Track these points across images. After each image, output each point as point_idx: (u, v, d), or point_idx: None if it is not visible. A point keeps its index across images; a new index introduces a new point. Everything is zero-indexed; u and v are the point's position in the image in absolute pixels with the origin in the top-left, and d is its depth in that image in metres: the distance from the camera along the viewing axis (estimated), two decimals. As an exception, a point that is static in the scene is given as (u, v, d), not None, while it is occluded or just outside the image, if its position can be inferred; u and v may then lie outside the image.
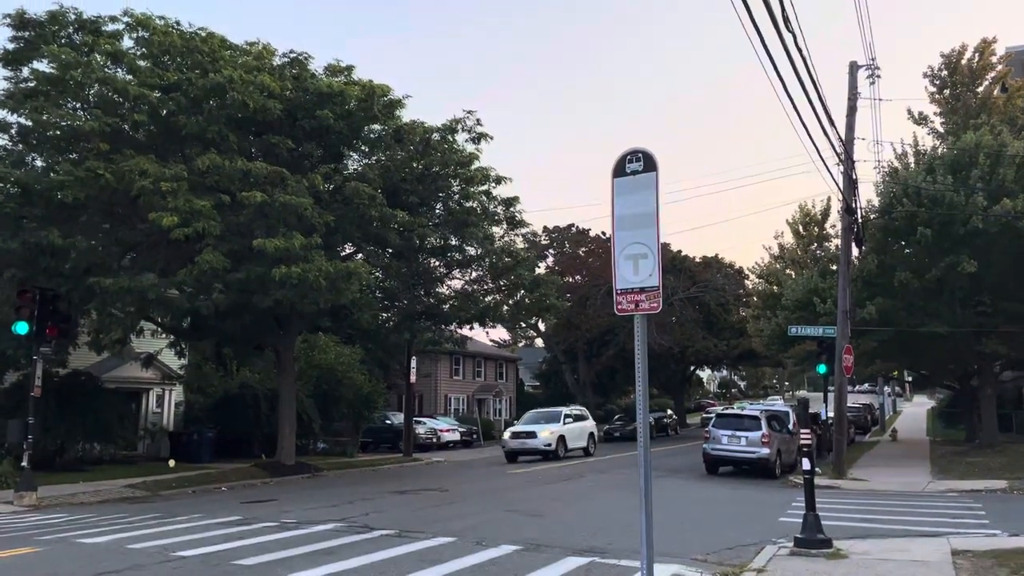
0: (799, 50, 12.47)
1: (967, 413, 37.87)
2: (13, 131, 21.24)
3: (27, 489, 17.61)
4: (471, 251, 27.02)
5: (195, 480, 22.10)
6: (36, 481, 18.07)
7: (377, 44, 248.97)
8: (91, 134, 19.19)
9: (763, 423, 23.70)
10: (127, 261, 22.12)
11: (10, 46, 20.54)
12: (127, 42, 21.54)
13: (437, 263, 27.89)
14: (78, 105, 21.08)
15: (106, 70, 20.62)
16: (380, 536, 12.10)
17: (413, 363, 35.72)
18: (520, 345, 62.20)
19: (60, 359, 22.55)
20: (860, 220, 25.33)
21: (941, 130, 33.34)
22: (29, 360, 19.18)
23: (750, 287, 51.66)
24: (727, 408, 46.12)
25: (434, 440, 39.56)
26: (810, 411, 13.07)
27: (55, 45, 19.73)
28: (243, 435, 29.44)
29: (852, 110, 23.26)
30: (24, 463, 17.84)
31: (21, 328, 17.97)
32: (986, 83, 34.08)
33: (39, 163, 21.72)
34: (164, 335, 26.32)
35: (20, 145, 21.56)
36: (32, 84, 20.52)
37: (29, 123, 20.72)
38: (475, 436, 44.33)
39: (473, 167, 25.16)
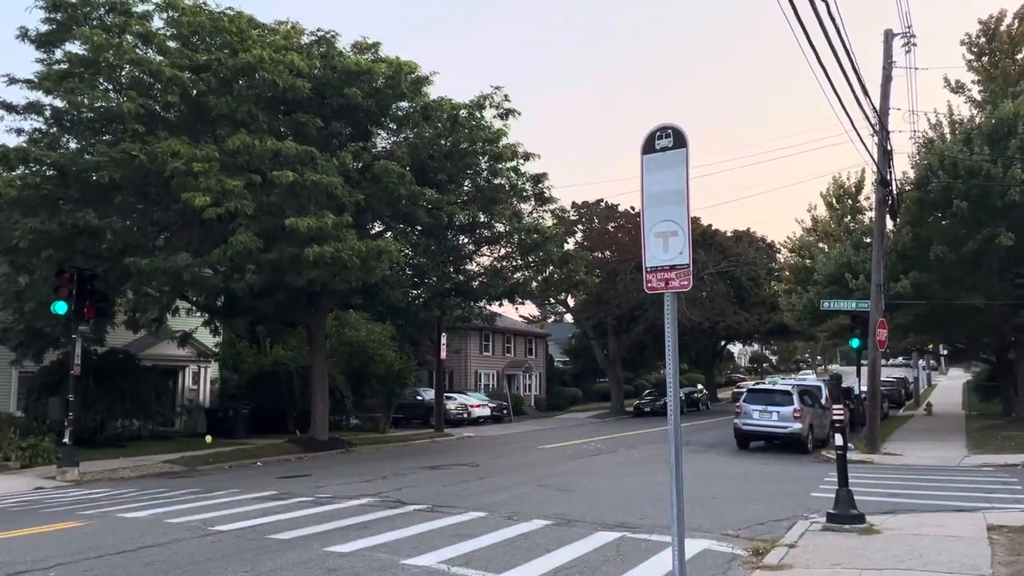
0: (832, 19, 12.28)
1: (1003, 386, 37.38)
2: (47, 113, 21.50)
3: (69, 465, 18.06)
4: (500, 228, 27.02)
5: (231, 456, 22.49)
6: (77, 457, 18.50)
7: (400, 20, 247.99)
8: (127, 115, 19.40)
9: (795, 398, 23.59)
10: (161, 241, 22.41)
11: (43, 28, 20.74)
12: (156, 22, 21.68)
13: (466, 240, 27.94)
14: (110, 87, 21.29)
15: (137, 51, 20.78)
16: (413, 511, 12.27)
17: (443, 339, 35.93)
18: (549, 321, 62.16)
19: (98, 338, 22.93)
20: (895, 192, 24.92)
21: (979, 98, 32.59)
22: (68, 339, 19.57)
23: (782, 261, 51.13)
24: (758, 383, 46.03)
25: (465, 416, 39.86)
26: (843, 385, 13.04)
27: (87, 27, 19.90)
28: (277, 411, 29.88)
29: (887, 79, 22.81)
30: (66, 439, 18.26)
31: (60, 308, 18.33)
32: (1026, 50, 33.15)
33: (73, 145, 21.99)
34: (199, 313, 26.69)
35: (54, 127, 21.83)
36: (65, 66, 20.73)
37: (62, 105, 20.97)
38: (505, 411, 44.61)
39: (501, 143, 25.08)
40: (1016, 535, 9.67)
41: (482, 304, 31.57)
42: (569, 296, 43.09)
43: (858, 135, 33.10)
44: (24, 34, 20.69)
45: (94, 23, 20.54)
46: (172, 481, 17.89)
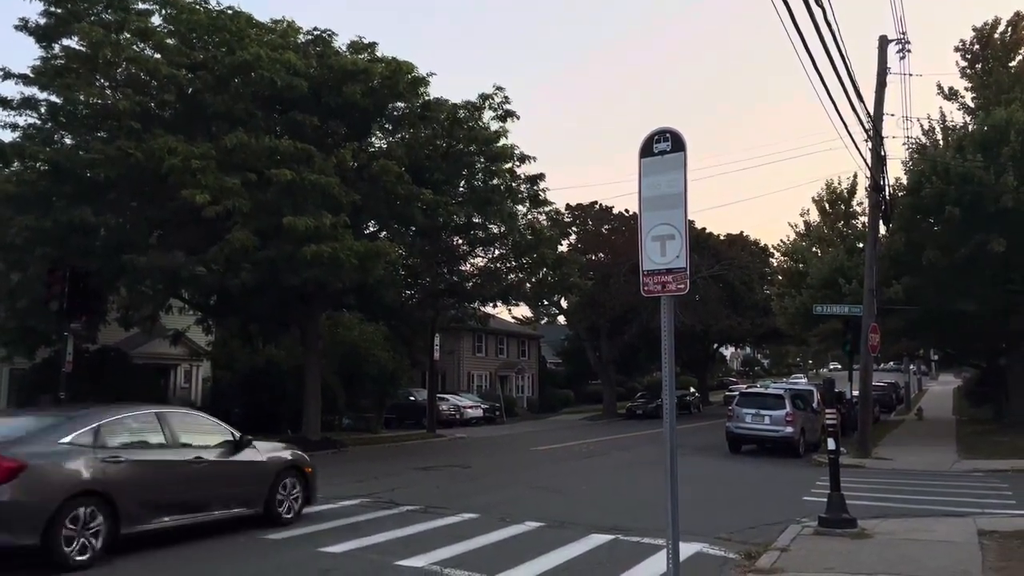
0: (828, 25, 12.30)
1: (994, 392, 37.51)
2: (43, 109, 21.40)
3: (61, 463, 17.94)
4: (494, 229, 27.01)
5: (223, 455, 22.36)
6: (68, 455, 18.39)
7: (395, 16, 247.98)
8: (123, 113, 19.33)
9: (787, 402, 23.65)
10: (154, 239, 22.34)
11: (43, 20, 20.64)
12: (155, 19, 21.63)
13: (460, 241, 27.91)
14: (106, 83, 21.21)
15: (135, 48, 20.72)
16: (406, 512, 12.26)
17: (436, 340, 35.86)
18: (542, 323, 62.15)
19: (90, 335, 22.86)
20: (888, 198, 25.02)
21: (972, 105, 32.75)
22: (60, 336, 19.49)
23: (775, 265, 51.27)
24: (751, 386, 46.14)
25: (457, 416, 39.80)
26: (835, 390, 13.09)
27: (86, 23, 19.82)
28: (269, 411, 29.71)
29: (881, 85, 22.87)
30: (57, 437, 18.13)
31: (52, 305, 18.24)
32: (1019, 57, 33.36)
33: (68, 141, 21.91)
34: (191, 312, 26.62)
35: (49, 123, 21.74)
36: (62, 61, 20.65)
37: (58, 100, 20.89)
38: (498, 413, 44.58)
39: (500, 144, 25.06)
40: (1006, 540, 9.72)
41: (476, 305, 31.55)
42: (562, 298, 43.08)
43: (852, 140, 33.25)
44: (24, 24, 20.54)
45: (93, 19, 20.47)
46: (164, 480, 17.78)
